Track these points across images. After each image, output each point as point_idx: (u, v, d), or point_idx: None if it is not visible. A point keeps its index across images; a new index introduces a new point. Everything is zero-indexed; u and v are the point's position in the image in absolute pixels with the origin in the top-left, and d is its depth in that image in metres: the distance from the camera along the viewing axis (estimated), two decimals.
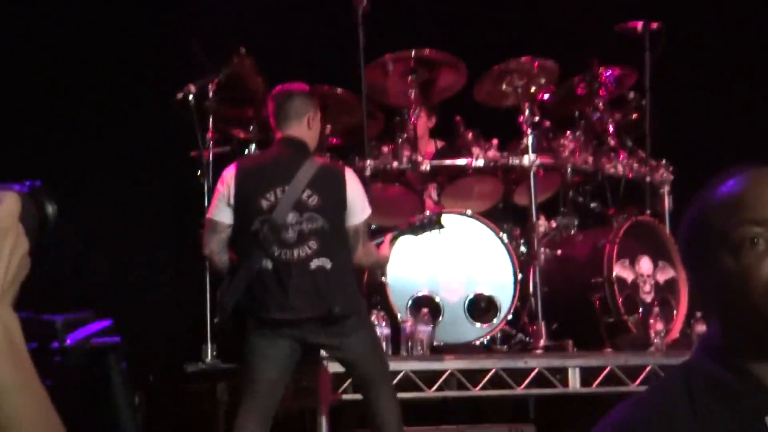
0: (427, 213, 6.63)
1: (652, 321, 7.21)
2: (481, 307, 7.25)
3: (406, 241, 6.69)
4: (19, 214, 1.45)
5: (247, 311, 5.78)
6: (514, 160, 7.60)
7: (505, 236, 7.39)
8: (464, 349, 7.09)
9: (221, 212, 5.90)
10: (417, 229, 6.46)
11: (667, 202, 7.99)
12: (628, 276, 7.46)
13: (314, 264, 5.72)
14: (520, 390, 6.85)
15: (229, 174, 5.95)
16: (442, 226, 6.49)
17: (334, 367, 6.28)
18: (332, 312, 5.68)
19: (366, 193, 6.16)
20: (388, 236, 6.30)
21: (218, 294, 5.98)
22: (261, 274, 5.74)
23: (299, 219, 5.74)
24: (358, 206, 5.92)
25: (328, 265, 5.73)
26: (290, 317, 5.69)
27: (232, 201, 5.86)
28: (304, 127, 6.02)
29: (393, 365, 6.48)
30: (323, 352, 6.20)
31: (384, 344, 6.58)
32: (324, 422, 6.37)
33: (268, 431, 5.76)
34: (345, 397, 6.48)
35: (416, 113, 7.69)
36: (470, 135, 7.67)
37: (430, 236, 6.58)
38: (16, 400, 1.41)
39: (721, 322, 1.94)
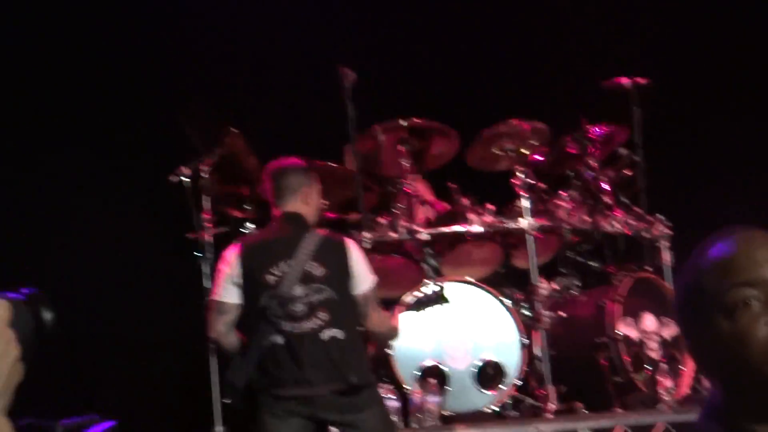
0: (430, 288, 6.55)
1: (660, 378, 7.18)
2: (488, 374, 7.21)
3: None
4: (8, 321, 1.45)
5: (260, 389, 5.70)
6: (511, 224, 7.60)
7: (507, 301, 7.37)
8: (475, 417, 7.05)
9: (227, 292, 5.82)
10: (420, 305, 6.42)
11: (667, 256, 7.99)
12: (634, 334, 7.43)
13: (326, 335, 5.66)
14: None
15: (232, 254, 5.90)
16: (446, 301, 6.39)
17: None
18: (349, 382, 5.61)
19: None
20: (396, 311, 6.27)
21: (228, 374, 5.88)
22: (273, 349, 5.67)
23: (307, 291, 5.70)
24: (363, 274, 5.89)
25: (341, 335, 5.69)
26: (306, 393, 5.61)
27: (237, 279, 5.80)
28: (300, 201, 6.01)
29: None
30: (333, 430, 6.13)
31: (394, 417, 6.56)
32: None
33: None
34: None
35: (410, 182, 7.69)
36: (465, 201, 7.68)
37: (433, 311, 6.52)
38: None
39: (722, 385, 1.93)
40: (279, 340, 5.67)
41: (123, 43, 8.79)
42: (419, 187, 7.97)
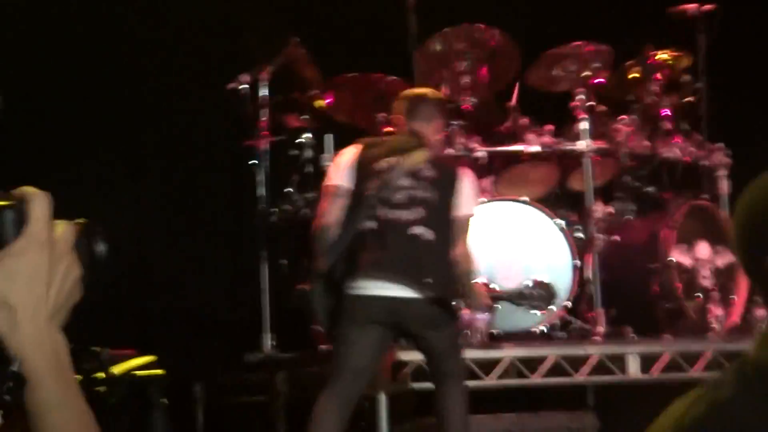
0: (535, 289, 6.51)
1: (711, 306, 7.15)
2: (539, 294, 7.19)
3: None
4: (72, 243, 1.47)
5: (341, 280, 5.69)
6: (569, 146, 7.55)
7: (561, 222, 7.34)
8: (522, 336, 7.06)
9: (342, 177, 5.88)
10: (523, 298, 6.23)
11: (725, 185, 7.91)
12: (687, 261, 7.40)
13: (417, 230, 5.68)
14: (579, 378, 6.81)
15: (352, 147, 6.02)
16: (550, 306, 6.32)
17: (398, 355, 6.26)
18: (422, 282, 5.59)
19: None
20: (484, 287, 6.15)
21: (317, 258, 5.89)
22: (364, 233, 5.71)
23: (413, 184, 5.75)
24: (469, 200, 5.88)
25: (431, 236, 5.69)
26: (388, 293, 5.59)
27: (354, 165, 5.88)
28: (431, 129, 6.04)
29: None
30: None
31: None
32: (383, 409, 6.36)
33: (349, 414, 5.71)
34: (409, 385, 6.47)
35: (472, 100, 7.64)
36: (525, 121, 7.63)
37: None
38: (59, 416, 1.44)
39: None
40: (372, 224, 5.71)
41: None
42: None
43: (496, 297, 6.18)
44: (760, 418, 1.77)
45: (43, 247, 1.44)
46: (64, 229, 1.47)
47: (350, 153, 5.98)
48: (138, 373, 4.41)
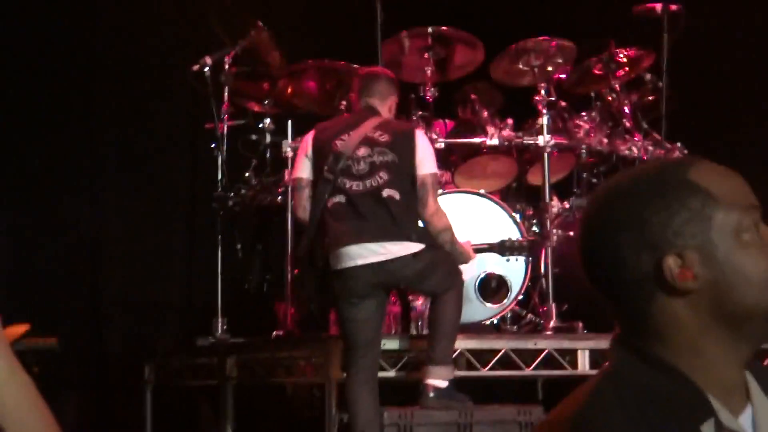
0: (519, 238, 6.77)
1: None
2: (492, 287, 7.23)
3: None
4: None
5: (326, 251, 5.86)
6: (529, 140, 7.57)
7: (517, 216, 7.37)
8: (474, 328, 7.08)
9: (302, 168, 6.12)
10: (505, 248, 6.63)
11: None
12: None
13: (385, 193, 5.86)
14: (529, 371, 6.84)
15: (308, 135, 6.21)
16: (529, 255, 6.79)
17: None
18: (409, 238, 5.82)
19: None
20: (469, 242, 6.33)
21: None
22: (335, 207, 5.90)
23: (370, 153, 5.93)
24: (428, 159, 6.04)
25: (398, 196, 5.87)
26: (375, 259, 5.78)
27: (309, 152, 6.09)
28: (385, 107, 6.22)
29: (402, 344, 6.51)
30: None
31: (393, 323, 6.65)
32: (332, 396, 6.39)
33: (377, 385, 5.97)
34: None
35: (433, 91, 7.66)
36: (485, 113, 7.65)
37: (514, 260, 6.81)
38: (7, 390, 1.48)
39: None
40: (340, 198, 5.90)
41: None
42: None
43: (480, 249, 6.47)
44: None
45: None
46: None
47: (306, 141, 6.16)
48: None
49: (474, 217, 7.27)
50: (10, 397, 1.49)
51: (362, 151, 5.94)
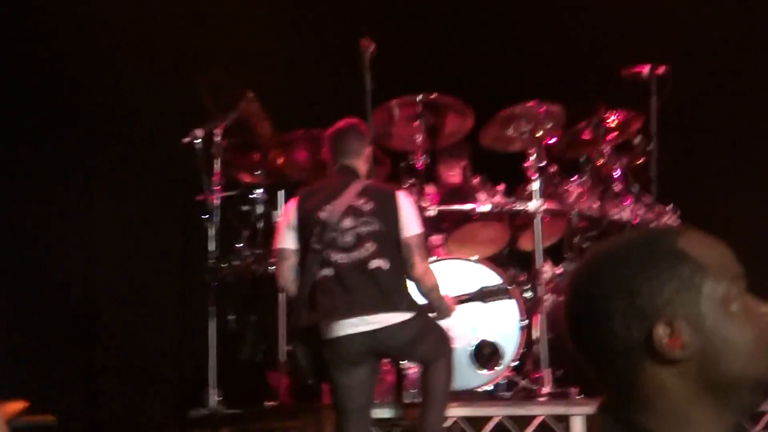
0: (498, 283, 6.83)
1: None
2: (485, 354, 7.21)
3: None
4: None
5: (316, 323, 5.89)
6: (520, 206, 7.59)
7: (510, 282, 7.36)
8: (468, 395, 7.06)
9: (285, 239, 6.13)
10: (486, 294, 6.61)
11: None
12: None
13: (373, 264, 5.89)
14: None
15: (290, 204, 6.23)
16: (510, 297, 6.84)
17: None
18: (398, 309, 5.85)
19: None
20: (448, 296, 6.35)
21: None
22: (323, 281, 5.92)
23: (355, 223, 5.95)
24: (411, 220, 6.07)
25: (386, 266, 5.90)
26: (358, 328, 5.81)
27: (293, 223, 6.09)
28: (361, 162, 6.28)
29: (395, 412, 6.49)
30: None
31: (387, 391, 6.63)
32: None
33: None
34: None
35: (425, 156, 7.68)
36: (476, 180, 7.68)
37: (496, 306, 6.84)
38: None
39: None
40: (328, 272, 5.92)
41: (140, 3, 8.79)
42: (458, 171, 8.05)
43: (462, 301, 6.48)
44: None
45: None
46: None
47: (289, 210, 6.17)
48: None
49: (466, 284, 7.25)
50: None
51: (347, 222, 5.96)
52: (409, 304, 5.94)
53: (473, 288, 6.65)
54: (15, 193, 7.99)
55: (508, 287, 6.82)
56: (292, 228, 6.10)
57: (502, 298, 6.68)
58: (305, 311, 5.96)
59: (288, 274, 6.10)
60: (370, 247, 5.90)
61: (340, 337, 5.84)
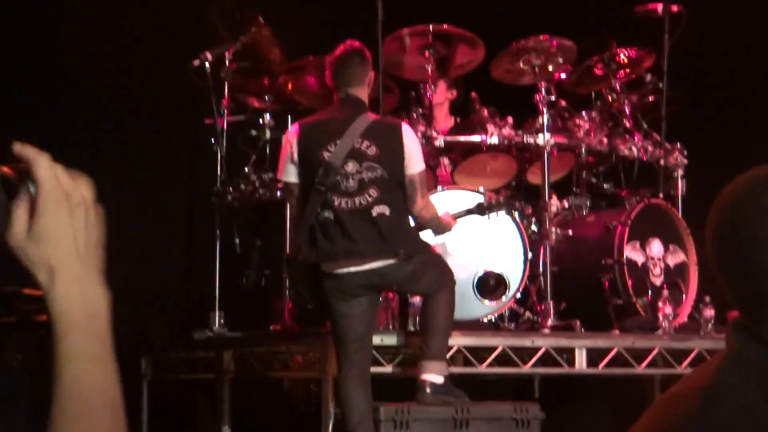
0: (498, 196, 6.85)
1: (660, 304, 7.19)
2: (490, 285, 7.24)
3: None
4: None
5: (316, 263, 5.97)
6: (529, 139, 7.57)
7: (516, 214, 7.37)
8: (471, 325, 7.08)
9: (289, 172, 6.18)
10: (485, 209, 6.65)
11: (681, 186, 7.99)
12: (639, 258, 7.45)
13: (375, 211, 5.96)
14: (526, 368, 6.85)
15: (291, 133, 6.24)
16: (512, 209, 6.92)
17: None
18: (398, 255, 5.92)
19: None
20: (447, 213, 6.42)
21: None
22: (324, 223, 5.99)
23: (359, 168, 5.98)
24: (415, 157, 6.12)
25: (388, 211, 5.96)
26: (361, 267, 5.91)
27: (295, 157, 6.11)
28: (364, 87, 6.26)
29: (400, 340, 6.52)
30: None
31: (391, 319, 6.66)
32: (329, 391, 6.39)
33: (369, 383, 6.01)
34: None
35: (432, 87, 7.69)
36: (485, 112, 7.65)
37: (496, 219, 6.80)
38: (82, 368, 1.47)
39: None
40: (329, 215, 5.97)
41: None
42: (440, 92, 8.00)
43: (459, 215, 6.57)
44: (743, 409, 1.85)
45: (58, 205, 1.48)
46: (70, 179, 1.51)
47: (290, 142, 6.17)
48: None
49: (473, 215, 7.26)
50: (85, 375, 1.49)
51: (351, 167, 5.99)
52: (409, 248, 6.01)
53: (472, 205, 6.73)
54: (21, 124, 7.94)
55: (506, 199, 6.84)
56: (294, 162, 6.13)
57: (500, 210, 6.71)
58: (305, 248, 6.01)
59: (294, 205, 6.24)
60: (373, 192, 5.96)
61: (340, 272, 5.94)
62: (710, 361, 1.97)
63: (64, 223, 1.48)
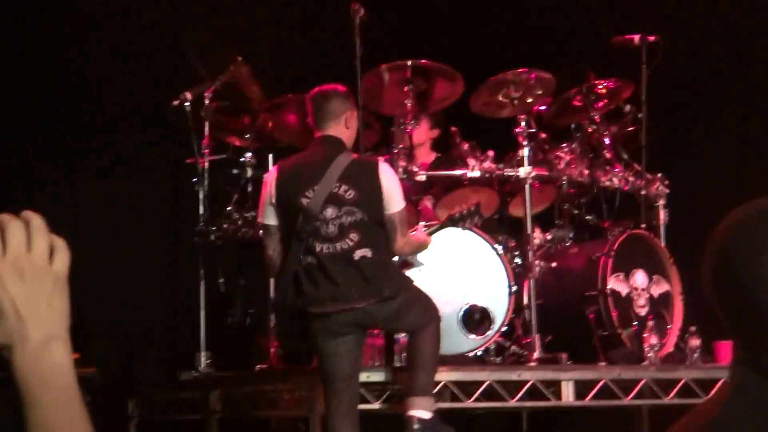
0: (466, 205, 6.85)
1: (646, 335, 7.20)
2: (475, 319, 7.23)
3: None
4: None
5: (303, 308, 6.01)
6: (510, 172, 7.59)
7: (500, 248, 7.38)
8: (458, 360, 7.07)
9: (268, 215, 6.21)
10: (457, 221, 6.74)
11: (663, 215, 8.01)
12: (623, 289, 7.46)
13: (357, 255, 6.00)
14: (513, 402, 6.84)
15: (271, 176, 6.27)
16: (482, 217, 6.90)
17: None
18: (383, 296, 5.96)
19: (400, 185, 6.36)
20: (419, 227, 6.56)
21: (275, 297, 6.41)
22: (307, 269, 6.02)
23: (338, 213, 6.02)
24: (394, 196, 6.15)
25: (370, 254, 6.00)
26: (346, 307, 5.95)
27: (274, 201, 6.15)
28: (342, 126, 6.28)
29: (387, 376, 6.50)
30: None
31: (378, 355, 6.65)
32: (317, 429, 6.37)
33: (357, 420, 6.03)
34: None
35: (413, 123, 7.69)
36: (466, 145, 7.66)
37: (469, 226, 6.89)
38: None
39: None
40: (312, 260, 6.01)
41: None
42: (422, 130, 8.00)
43: (434, 231, 6.67)
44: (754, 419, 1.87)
45: (21, 275, 1.48)
46: (43, 246, 1.50)
47: (269, 184, 6.21)
48: None
49: (456, 250, 7.27)
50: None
51: (330, 212, 6.03)
52: (393, 287, 6.05)
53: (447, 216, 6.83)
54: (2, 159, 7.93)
55: (476, 206, 6.84)
56: (273, 205, 6.16)
57: (473, 219, 6.79)
58: (291, 293, 6.05)
59: (274, 247, 6.19)
60: (353, 237, 6.00)
61: (326, 312, 5.98)
62: (714, 396, 1.97)
63: (32, 295, 1.48)
